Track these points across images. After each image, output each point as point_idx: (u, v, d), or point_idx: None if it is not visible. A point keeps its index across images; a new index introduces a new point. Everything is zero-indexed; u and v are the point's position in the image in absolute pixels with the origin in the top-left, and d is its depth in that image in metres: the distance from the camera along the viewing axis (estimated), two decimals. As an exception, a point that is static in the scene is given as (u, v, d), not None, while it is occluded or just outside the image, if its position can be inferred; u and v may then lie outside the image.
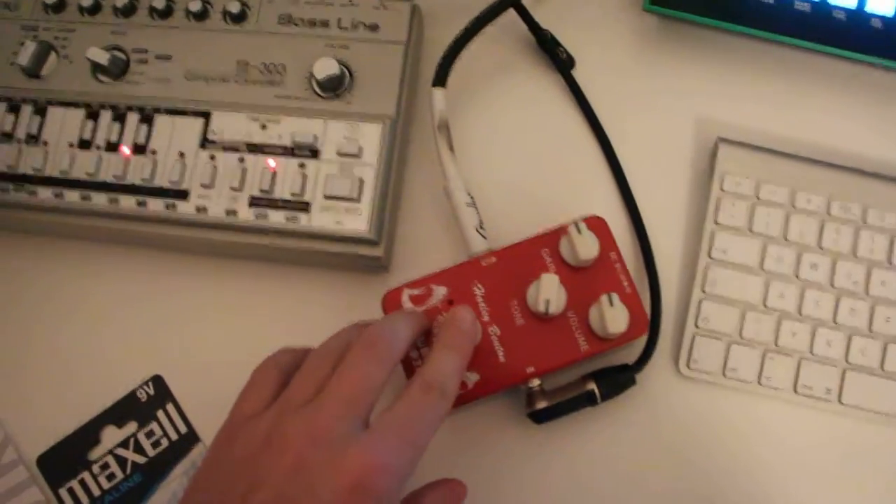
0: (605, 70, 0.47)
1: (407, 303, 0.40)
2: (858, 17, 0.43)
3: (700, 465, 0.41)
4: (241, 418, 0.33)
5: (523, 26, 0.45)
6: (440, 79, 0.42)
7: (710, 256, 0.43)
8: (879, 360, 0.42)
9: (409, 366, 0.39)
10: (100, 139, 0.42)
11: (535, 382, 0.40)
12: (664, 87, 0.46)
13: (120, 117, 0.42)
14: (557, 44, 0.45)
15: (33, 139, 0.42)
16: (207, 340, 0.44)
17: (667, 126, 0.46)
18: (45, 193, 0.41)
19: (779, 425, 0.42)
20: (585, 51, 0.46)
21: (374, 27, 0.42)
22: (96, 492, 0.42)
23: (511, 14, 0.44)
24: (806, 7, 0.43)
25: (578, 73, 0.46)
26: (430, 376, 0.33)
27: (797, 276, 0.43)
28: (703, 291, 0.43)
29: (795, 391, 0.42)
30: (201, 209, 0.40)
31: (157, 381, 0.43)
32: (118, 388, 0.43)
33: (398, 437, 0.31)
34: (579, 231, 0.39)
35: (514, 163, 0.46)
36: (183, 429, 0.43)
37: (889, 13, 0.43)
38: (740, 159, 0.44)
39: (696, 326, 0.42)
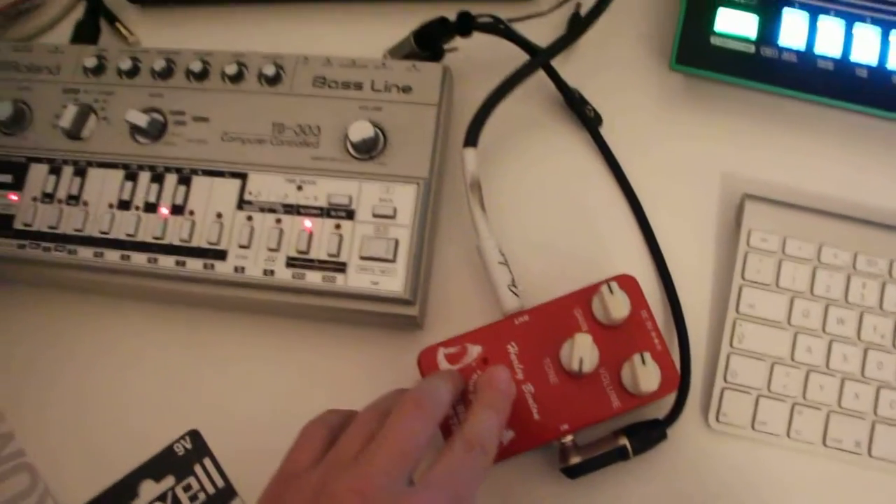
0: (632, 127, 0.47)
1: (442, 361, 0.40)
2: (880, 73, 0.44)
3: (731, 519, 0.42)
4: (289, 475, 0.33)
5: (551, 84, 0.46)
6: (472, 139, 0.42)
7: (737, 311, 0.44)
8: (908, 412, 0.42)
9: (447, 426, 0.39)
10: (139, 200, 0.43)
11: (569, 438, 0.40)
12: (690, 144, 0.47)
13: (158, 178, 0.43)
14: (585, 102, 0.46)
15: (74, 200, 0.43)
16: (244, 395, 0.44)
17: (693, 182, 0.46)
18: (85, 253, 0.42)
19: (809, 479, 0.42)
20: (613, 108, 0.47)
21: (406, 89, 0.43)
22: (134, 546, 0.43)
23: (539, 72, 0.45)
24: (829, 65, 0.44)
25: (606, 131, 0.47)
26: (471, 434, 0.34)
27: (824, 331, 0.43)
28: (732, 346, 0.43)
29: (825, 444, 0.42)
30: (239, 269, 0.41)
31: (195, 435, 0.44)
32: (156, 442, 0.44)
33: (445, 492, 0.31)
34: (611, 291, 0.40)
35: (544, 220, 0.46)
36: (220, 483, 0.43)
37: (911, 71, 0.44)
38: (766, 215, 0.45)
39: (725, 381, 0.43)
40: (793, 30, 0.45)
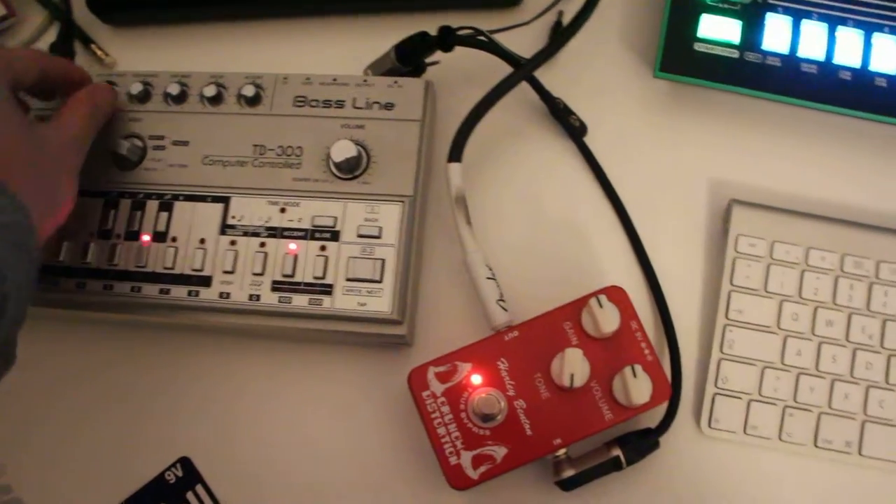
0: (617, 136, 0.47)
1: (433, 380, 0.40)
2: (863, 76, 0.44)
3: (726, 525, 0.42)
4: None
5: (535, 95, 0.46)
6: (456, 154, 0.42)
7: (727, 317, 0.44)
8: (897, 411, 0.43)
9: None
10: (119, 228, 0.42)
11: (562, 451, 0.40)
12: (676, 151, 0.47)
13: (139, 205, 0.42)
14: (570, 112, 0.46)
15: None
16: (233, 420, 0.44)
17: (680, 189, 0.46)
18: (67, 284, 0.42)
19: (801, 480, 0.42)
20: (597, 117, 0.47)
21: (389, 106, 0.43)
22: (130, 575, 0.43)
23: (522, 84, 0.45)
24: (813, 69, 0.44)
25: (591, 140, 0.47)
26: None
27: (813, 333, 0.43)
28: (722, 352, 0.43)
29: (816, 445, 0.42)
30: (224, 295, 0.41)
31: (185, 462, 0.44)
32: (146, 471, 0.44)
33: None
34: (601, 305, 0.40)
35: (531, 233, 0.46)
36: (214, 510, 0.43)
37: (891, 71, 0.44)
38: (753, 220, 0.45)
39: (717, 386, 0.43)
40: (776, 34, 0.45)
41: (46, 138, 0.38)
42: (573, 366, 0.39)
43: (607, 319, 0.39)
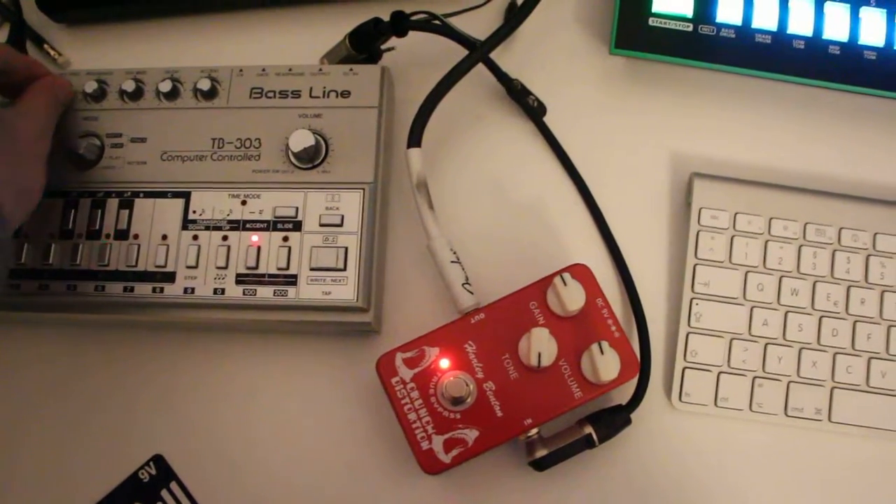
0: (576, 114, 0.47)
1: (401, 366, 0.40)
2: (817, 44, 0.44)
3: (700, 495, 0.42)
4: None
5: (492, 77, 0.46)
6: (415, 139, 0.42)
7: (693, 291, 0.44)
8: (864, 376, 0.43)
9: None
10: (81, 228, 0.42)
11: (534, 431, 0.40)
12: (636, 127, 0.47)
13: (99, 204, 0.42)
14: (528, 92, 0.46)
15: (14, 233, 0.42)
16: (205, 415, 0.44)
17: (642, 165, 0.46)
18: (29, 286, 0.41)
19: (773, 449, 0.43)
20: (556, 97, 0.47)
21: (345, 94, 0.43)
22: (107, 576, 0.42)
23: (479, 66, 0.44)
24: (767, 39, 0.44)
25: (550, 120, 0.47)
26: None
27: (779, 303, 0.44)
28: (690, 325, 0.44)
29: (786, 414, 0.43)
30: (189, 290, 0.41)
31: (159, 460, 0.43)
32: (119, 470, 0.43)
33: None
34: (565, 283, 0.40)
35: (494, 214, 0.46)
36: (189, 506, 0.43)
37: (845, 39, 0.44)
38: (715, 192, 0.45)
39: (686, 360, 0.43)
40: (729, 6, 0.45)
41: (13, 126, 0.38)
42: (540, 345, 0.39)
43: (572, 297, 0.40)
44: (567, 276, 0.40)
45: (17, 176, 0.37)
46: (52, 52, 0.49)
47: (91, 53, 0.50)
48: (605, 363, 0.39)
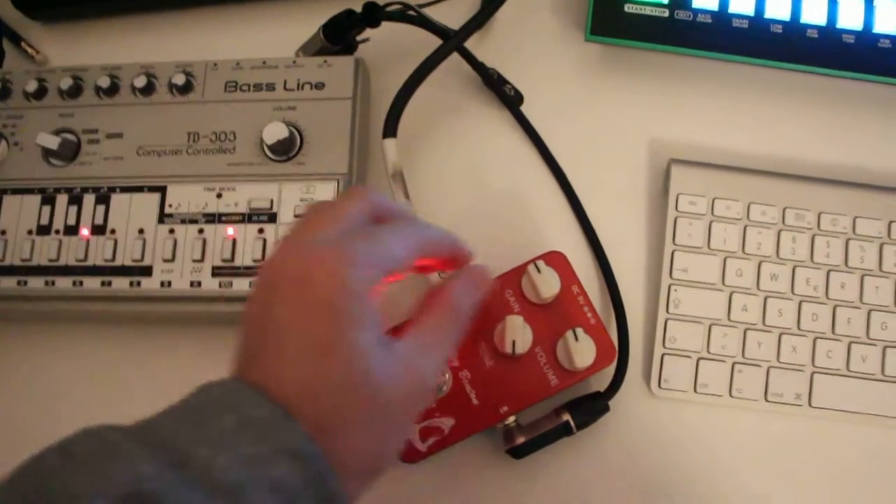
0: (553, 103, 0.47)
1: (377, 356, 0.40)
2: (794, 28, 0.44)
3: (679, 482, 0.42)
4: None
5: (468, 67, 0.46)
6: (390, 129, 0.42)
7: (671, 277, 0.44)
8: (845, 360, 0.43)
9: None
10: (58, 223, 0.42)
11: (511, 419, 0.40)
12: (613, 114, 0.47)
13: (76, 199, 0.42)
14: (504, 81, 0.46)
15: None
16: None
17: (619, 152, 0.46)
18: (7, 283, 0.42)
19: (753, 435, 0.42)
20: (532, 85, 0.47)
21: (319, 86, 0.43)
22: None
23: (455, 56, 0.44)
24: (744, 24, 0.44)
25: (527, 108, 0.47)
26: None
27: (758, 288, 0.44)
28: (668, 312, 0.43)
29: (767, 400, 0.43)
30: (166, 284, 0.41)
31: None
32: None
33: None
34: (539, 270, 0.40)
35: (471, 204, 0.46)
36: None
37: (822, 23, 0.44)
38: (693, 178, 0.45)
39: (665, 346, 0.43)
40: (704, -9, 0.44)
41: (413, 367, 0.28)
42: (514, 333, 0.39)
43: (546, 284, 0.40)
44: (541, 263, 0.40)
45: (375, 446, 0.28)
46: (29, 50, 0.49)
47: (67, 51, 0.50)
48: (580, 350, 0.39)
